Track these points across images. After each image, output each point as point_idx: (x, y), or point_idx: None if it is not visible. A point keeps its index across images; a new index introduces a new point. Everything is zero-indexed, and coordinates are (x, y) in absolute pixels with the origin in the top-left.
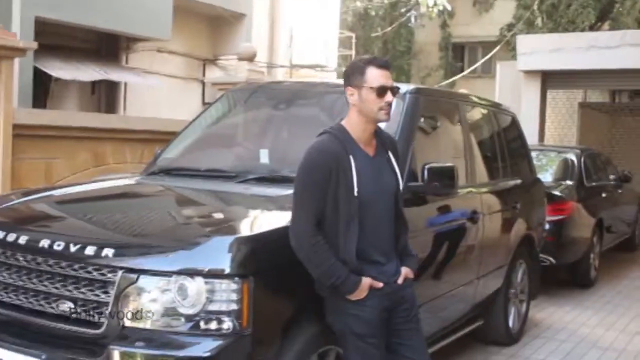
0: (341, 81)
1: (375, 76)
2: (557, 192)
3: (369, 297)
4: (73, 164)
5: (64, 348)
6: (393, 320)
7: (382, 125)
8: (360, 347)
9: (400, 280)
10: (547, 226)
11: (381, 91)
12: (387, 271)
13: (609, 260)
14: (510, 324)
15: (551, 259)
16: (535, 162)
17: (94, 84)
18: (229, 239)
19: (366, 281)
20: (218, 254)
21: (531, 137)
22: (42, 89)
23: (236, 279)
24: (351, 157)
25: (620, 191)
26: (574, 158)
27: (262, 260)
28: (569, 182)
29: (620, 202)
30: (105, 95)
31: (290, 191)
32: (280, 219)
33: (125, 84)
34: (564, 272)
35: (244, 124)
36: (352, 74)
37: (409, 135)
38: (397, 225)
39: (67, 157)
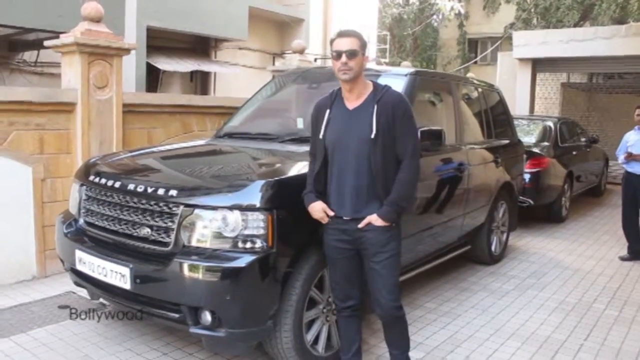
0: (370, 67)
1: (334, 44)
2: (537, 150)
3: (328, 225)
4: (167, 132)
5: (143, 260)
6: (363, 258)
7: None
8: (328, 261)
9: (360, 225)
10: (528, 176)
11: (336, 55)
12: (344, 207)
13: (579, 202)
14: (493, 249)
15: (531, 201)
16: (524, 127)
17: (192, 74)
18: (259, 183)
19: (318, 203)
20: (250, 193)
21: (523, 109)
22: (155, 79)
23: (263, 211)
24: (328, 110)
25: (589, 150)
26: (551, 125)
27: (283, 198)
28: (546, 143)
29: (589, 159)
30: (200, 83)
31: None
32: (300, 168)
33: (215, 74)
34: (541, 211)
35: (287, 99)
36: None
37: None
38: (381, 173)
39: (163, 126)
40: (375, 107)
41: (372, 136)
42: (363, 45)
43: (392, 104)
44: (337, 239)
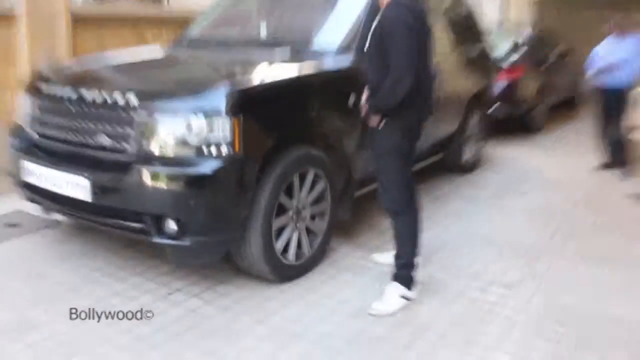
0: None
1: None
2: (511, 60)
3: None
4: (120, 43)
5: (104, 169)
6: None
7: None
8: None
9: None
10: (502, 86)
11: None
12: None
13: (554, 115)
14: (466, 157)
15: (505, 111)
16: (500, 38)
17: None
18: (224, 87)
19: None
20: (215, 98)
21: (494, 19)
22: None
23: (229, 116)
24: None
25: (563, 61)
26: (527, 35)
27: (249, 103)
28: (520, 53)
29: (563, 70)
30: None
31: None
32: (265, 74)
33: None
34: (516, 122)
35: (249, 6)
36: None
37: (371, 18)
38: (373, 82)
39: (115, 37)
40: (377, 20)
41: (365, 50)
42: None
43: (384, 19)
44: None
